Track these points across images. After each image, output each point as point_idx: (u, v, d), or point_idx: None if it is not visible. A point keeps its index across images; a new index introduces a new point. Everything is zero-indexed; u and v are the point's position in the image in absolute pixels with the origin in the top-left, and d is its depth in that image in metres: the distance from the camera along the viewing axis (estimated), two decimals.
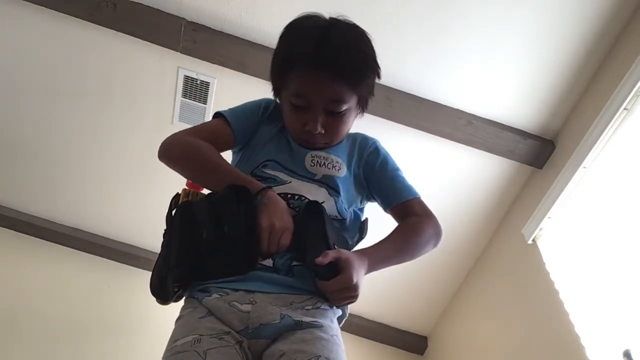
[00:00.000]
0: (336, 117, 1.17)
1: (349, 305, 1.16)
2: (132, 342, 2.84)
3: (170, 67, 2.49)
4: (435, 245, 1.30)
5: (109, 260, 3.24)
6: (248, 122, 1.27)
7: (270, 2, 2.22)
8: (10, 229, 3.21)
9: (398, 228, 1.24)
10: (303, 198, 1.15)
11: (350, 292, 1.06)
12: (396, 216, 1.27)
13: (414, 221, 1.24)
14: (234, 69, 2.39)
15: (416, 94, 2.42)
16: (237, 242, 1.04)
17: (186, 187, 1.19)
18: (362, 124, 2.69)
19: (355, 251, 1.16)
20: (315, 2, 2.22)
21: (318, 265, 1.02)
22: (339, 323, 1.13)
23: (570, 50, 2.26)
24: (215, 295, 1.04)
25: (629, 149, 2.08)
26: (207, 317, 1.01)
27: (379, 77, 1.24)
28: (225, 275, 1.05)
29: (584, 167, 2.23)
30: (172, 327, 1.07)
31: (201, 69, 2.46)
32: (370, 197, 1.31)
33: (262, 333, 1.00)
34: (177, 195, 1.16)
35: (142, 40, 2.38)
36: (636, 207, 1.98)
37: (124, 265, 3.24)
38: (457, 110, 2.44)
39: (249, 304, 1.02)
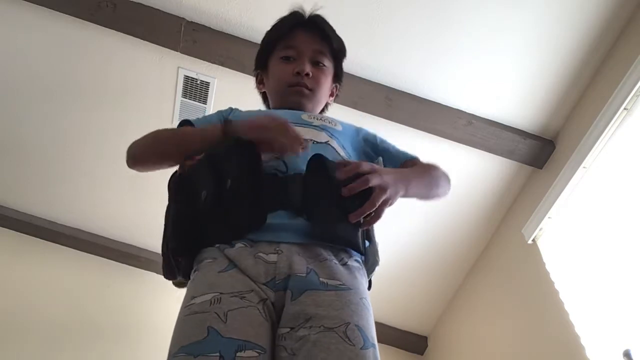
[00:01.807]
0: (320, 68, 1.35)
1: (379, 255, 1.11)
2: (133, 341, 2.84)
3: (170, 67, 2.49)
4: (448, 186, 1.30)
5: (109, 260, 3.24)
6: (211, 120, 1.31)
7: (270, 2, 2.23)
8: (10, 229, 3.21)
9: (419, 166, 1.27)
10: (307, 140, 1.13)
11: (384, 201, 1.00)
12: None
13: (430, 165, 1.29)
14: (234, 69, 2.39)
15: (416, 94, 2.42)
16: (243, 194, 0.99)
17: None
18: (363, 124, 2.70)
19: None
20: (314, 2, 2.23)
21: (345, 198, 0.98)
22: (370, 274, 1.09)
23: (570, 50, 2.26)
24: (239, 245, 0.98)
25: (629, 149, 2.08)
26: (228, 271, 0.95)
27: (342, 65, 1.44)
28: (233, 236, 1.00)
29: (584, 167, 2.24)
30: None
31: (201, 69, 2.46)
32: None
33: (288, 284, 0.94)
34: (175, 172, 1.11)
35: (142, 40, 2.38)
36: (636, 207, 1.98)
37: (124, 265, 3.24)
38: (457, 110, 2.44)
39: (274, 254, 0.97)
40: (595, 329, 2.02)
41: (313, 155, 1.05)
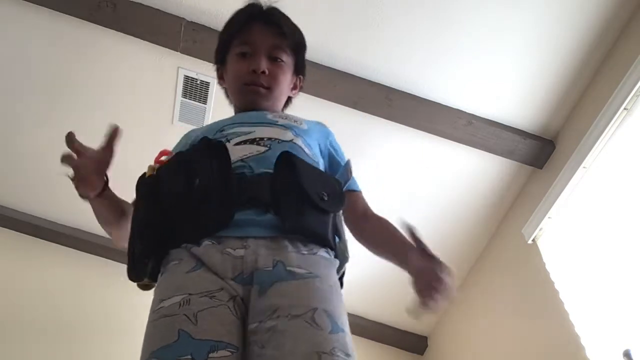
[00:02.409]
0: (277, 64, 1.30)
1: (349, 252, 1.12)
2: (134, 341, 2.82)
3: (170, 67, 2.49)
4: None
5: (109, 260, 3.24)
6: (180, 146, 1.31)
7: (269, 2, 2.22)
8: (10, 229, 3.21)
9: (390, 227, 1.24)
10: (272, 139, 1.14)
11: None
12: (352, 200, 1.26)
13: (384, 220, 1.25)
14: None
15: (416, 94, 2.42)
16: (211, 193, 0.99)
17: (152, 164, 1.13)
18: (363, 124, 2.70)
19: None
20: (314, 3, 2.24)
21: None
22: (339, 270, 1.09)
23: (570, 50, 2.26)
24: (206, 243, 0.97)
25: (629, 149, 2.08)
26: (196, 270, 0.94)
27: (304, 57, 1.40)
28: (200, 235, 0.98)
29: (584, 167, 2.23)
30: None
31: (201, 69, 2.46)
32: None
33: (256, 279, 0.94)
34: (144, 174, 1.11)
35: (142, 40, 2.38)
36: (636, 207, 1.98)
37: (124, 265, 3.23)
38: (457, 110, 2.44)
39: (242, 248, 0.96)
40: (595, 329, 2.02)
41: (281, 153, 1.06)
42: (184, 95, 2.57)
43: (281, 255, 0.97)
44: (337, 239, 1.10)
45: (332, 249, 1.06)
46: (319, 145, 1.27)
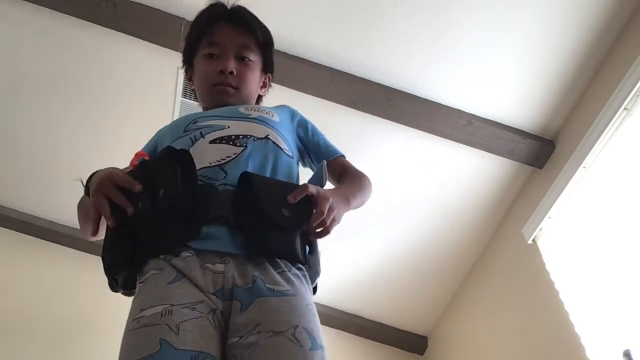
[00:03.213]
0: (245, 64, 1.31)
1: (320, 266, 1.13)
2: None
3: (170, 67, 2.49)
4: (371, 192, 1.31)
5: None
6: (151, 147, 1.30)
7: (269, 2, 2.23)
8: (10, 229, 3.21)
9: (350, 177, 1.27)
10: (248, 136, 1.15)
11: (328, 219, 1.02)
12: (332, 169, 1.29)
13: (359, 174, 1.29)
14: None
15: (416, 94, 2.42)
16: (176, 205, 0.97)
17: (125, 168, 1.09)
18: (363, 124, 2.70)
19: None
20: (314, 3, 2.24)
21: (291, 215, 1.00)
22: (314, 282, 1.10)
23: (570, 50, 2.26)
24: (185, 254, 0.97)
25: (629, 149, 2.08)
26: (177, 282, 0.94)
27: (272, 54, 1.40)
28: (168, 248, 0.98)
29: (584, 167, 2.24)
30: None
31: None
32: (303, 155, 1.33)
33: (235, 295, 0.95)
34: None
35: (142, 40, 2.38)
36: (636, 207, 1.98)
37: None
38: (457, 110, 2.44)
39: (221, 263, 0.97)
40: (595, 329, 2.02)
41: (242, 174, 1.04)
42: (184, 95, 2.57)
43: (260, 271, 0.98)
44: (307, 251, 1.10)
45: (302, 264, 1.06)
46: (290, 135, 1.29)
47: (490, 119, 2.46)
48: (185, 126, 1.19)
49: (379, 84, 2.40)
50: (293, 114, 1.37)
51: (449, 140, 2.51)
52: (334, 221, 1.04)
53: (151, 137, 1.33)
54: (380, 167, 2.66)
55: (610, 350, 1.91)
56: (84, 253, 3.22)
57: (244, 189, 1.03)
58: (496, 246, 2.84)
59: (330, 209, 1.02)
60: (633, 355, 1.77)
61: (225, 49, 1.29)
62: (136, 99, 2.65)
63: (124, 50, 2.46)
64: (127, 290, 1.02)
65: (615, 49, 2.22)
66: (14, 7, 2.38)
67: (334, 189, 1.17)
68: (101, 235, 1.05)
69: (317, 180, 1.17)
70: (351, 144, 2.50)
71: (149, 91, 2.61)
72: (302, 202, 1.02)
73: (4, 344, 2.69)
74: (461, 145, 2.51)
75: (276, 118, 1.26)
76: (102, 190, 0.98)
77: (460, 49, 2.30)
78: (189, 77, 1.43)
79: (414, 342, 3.34)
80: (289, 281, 1.00)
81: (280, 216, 1.00)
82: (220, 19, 1.32)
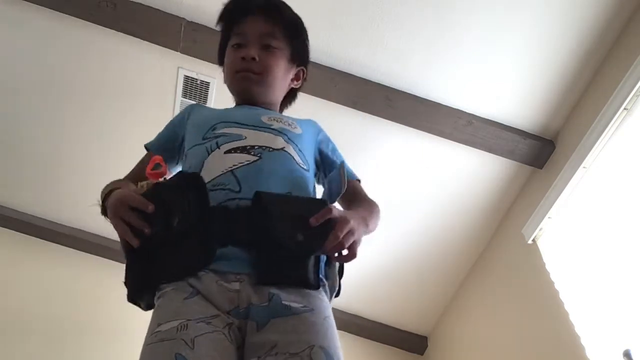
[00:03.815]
0: (269, 51, 1.29)
1: (338, 282, 1.12)
2: (134, 342, 2.83)
3: (170, 67, 2.49)
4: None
5: (109, 260, 3.24)
6: (170, 132, 1.34)
7: None
8: (10, 229, 3.21)
9: (366, 202, 1.25)
10: (264, 147, 1.14)
11: (349, 241, 1.00)
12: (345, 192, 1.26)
13: (372, 201, 1.26)
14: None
15: (416, 94, 2.42)
16: (191, 232, 0.98)
17: (142, 183, 1.08)
18: (363, 124, 2.70)
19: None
20: (314, 3, 2.23)
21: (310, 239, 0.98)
22: (332, 298, 1.10)
23: (570, 50, 2.26)
24: (201, 273, 0.98)
25: (629, 149, 2.08)
26: (193, 298, 0.96)
27: (306, 43, 1.38)
28: (184, 274, 0.99)
29: (584, 167, 2.23)
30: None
31: (201, 69, 2.46)
32: (318, 169, 1.31)
33: (251, 314, 0.96)
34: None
35: (142, 40, 2.38)
36: (636, 207, 1.98)
37: (124, 265, 3.24)
38: (457, 110, 2.44)
39: (236, 282, 0.98)
40: (595, 329, 2.02)
41: (255, 193, 1.03)
42: (184, 95, 2.57)
43: (275, 289, 0.98)
44: (323, 270, 1.08)
45: (316, 289, 1.03)
46: (312, 144, 1.28)
47: (490, 119, 2.46)
48: (205, 133, 1.19)
49: (379, 84, 2.40)
50: (319, 130, 1.36)
51: (449, 140, 2.51)
52: (356, 244, 1.03)
53: (161, 130, 1.36)
54: (380, 167, 2.66)
55: (610, 350, 1.91)
56: (84, 253, 3.23)
57: (257, 209, 1.02)
58: (496, 246, 2.84)
59: (351, 233, 1.01)
60: (633, 355, 1.77)
61: (250, 38, 1.29)
62: (136, 98, 2.65)
63: (124, 50, 2.46)
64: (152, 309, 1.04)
65: (615, 49, 2.22)
66: (14, 7, 2.38)
67: (352, 210, 1.15)
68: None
69: (336, 185, 1.15)
70: (351, 144, 2.50)
71: (149, 91, 2.61)
72: (320, 224, 1.00)
73: (4, 344, 2.69)
74: (461, 145, 2.51)
75: (298, 130, 1.25)
76: (118, 213, 0.99)
77: (460, 49, 2.30)
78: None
79: (414, 342, 3.34)
80: (305, 296, 1.00)
81: (293, 242, 0.98)
82: (247, 11, 1.32)
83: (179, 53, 2.37)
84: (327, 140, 1.36)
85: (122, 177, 1.26)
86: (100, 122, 2.76)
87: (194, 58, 2.39)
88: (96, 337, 2.85)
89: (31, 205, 3.21)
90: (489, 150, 2.51)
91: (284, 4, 1.35)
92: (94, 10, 2.28)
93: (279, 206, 1.02)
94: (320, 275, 1.05)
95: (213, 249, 0.99)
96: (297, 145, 1.20)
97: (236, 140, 1.15)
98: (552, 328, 2.25)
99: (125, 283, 1.03)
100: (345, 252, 1.02)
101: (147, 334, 0.95)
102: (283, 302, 0.97)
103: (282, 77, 1.33)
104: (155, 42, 2.37)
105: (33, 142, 2.92)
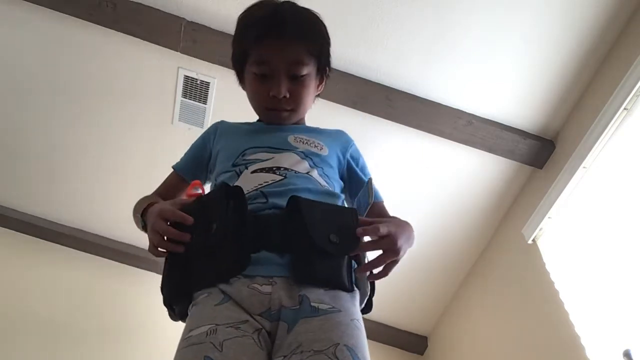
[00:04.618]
0: (299, 81, 1.21)
1: (369, 287, 1.14)
2: (133, 343, 2.84)
3: (170, 67, 2.49)
4: None
5: (109, 261, 3.24)
6: (196, 153, 1.34)
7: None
8: (11, 229, 3.21)
9: (403, 223, 1.22)
10: (289, 169, 1.15)
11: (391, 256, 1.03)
12: (370, 211, 1.26)
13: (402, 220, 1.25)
14: (234, 69, 2.39)
15: (416, 94, 2.42)
16: (227, 238, 1.00)
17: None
18: (363, 124, 2.71)
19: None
20: (314, 3, 2.23)
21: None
22: (362, 303, 1.11)
23: (570, 50, 2.26)
24: (233, 279, 1.00)
25: (629, 149, 2.08)
26: (224, 304, 0.97)
27: (329, 48, 1.30)
28: (219, 280, 1.00)
29: (584, 167, 2.24)
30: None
31: (201, 69, 2.46)
32: (345, 190, 1.31)
33: (283, 316, 0.97)
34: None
35: (142, 40, 2.38)
36: (636, 207, 1.98)
37: (124, 265, 3.24)
38: (457, 110, 2.44)
39: (268, 285, 0.99)
40: (595, 329, 2.02)
41: (290, 197, 1.05)
42: (184, 95, 2.57)
43: (306, 290, 0.99)
44: (353, 277, 1.09)
45: (348, 291, 1.05)
46: (339, 161, 1.28)
47: (490, 119, 2.46)
48: (235, 159, 1.20)
49: (379, 84, 2.40)
50: (348, 144, 1.34)
51: (449, 140, 2.51)
52: (394, 263, 1.05)
53: (193, 145, 1.36)
54: (380, 167, 2.66)
55: (610, 350, 1.91)
56: (84, 253, 3.23)
57: (291, 212, 1.04)
58: (496, 246, 2.84)
59: (395, 262, 1.05)
60: (633, 355, 1.77)
61: (276, 69, 1.19)
62: (136, 98, 2.65)
63: (124, 50, 2.46)
64: (184, 319, 1.06)
65: (615, 49, 2.22)
66: (14, 7, 2.38)
67: (401, 229, 1.12)
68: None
69: (364, 199, 1.16)
70: None
71: (149, 91, 2.61)
72: (353, 223, 1.03)
73: (4, 344, 2.69)
74: (461, 145, 2.51)
75: (324, 152, 1.24)
76: (156, 228, 1.04)
77: (460, 49, 2.30)
78: (241, 80, 1.34)
79: (414, 342, 3.34)
80: (334, 297, 1.00)
81: (327, 242, 1.00)
82: (269, 34, 1.18)
83: (179, 53, 2.37)
84: (358, 156, 1.35)
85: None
86: (100, 122, 2.76)
87: (194, 58, 2.39)
88: (97, 337, 2.85)
89: (31, 205, 3.21)
90: (489, 150, 2.51)
91: (302, 13, 1.24)
92: (94, 10, 2.28)
93: (313, 208, 1.04)
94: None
95: (248, 255, 1.01)
96: (322, 169, 1.21)
97: (263, 161, 1.17)
98: (552, 328, 2.25)
99: (162, 290, 1.06)
100: (378, 269, 1.04)
101: (180, 339, 0.97)
102: (312, 303, 0.98)
103: (312, 97, 1.30)
104: (155, 42, 2.38)
105: (33, 142, 2.92)
